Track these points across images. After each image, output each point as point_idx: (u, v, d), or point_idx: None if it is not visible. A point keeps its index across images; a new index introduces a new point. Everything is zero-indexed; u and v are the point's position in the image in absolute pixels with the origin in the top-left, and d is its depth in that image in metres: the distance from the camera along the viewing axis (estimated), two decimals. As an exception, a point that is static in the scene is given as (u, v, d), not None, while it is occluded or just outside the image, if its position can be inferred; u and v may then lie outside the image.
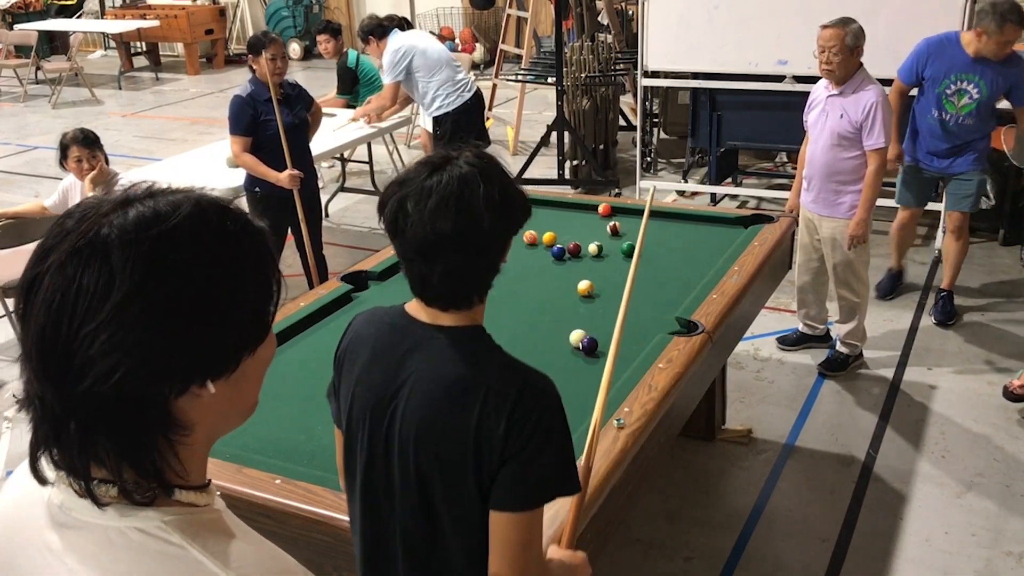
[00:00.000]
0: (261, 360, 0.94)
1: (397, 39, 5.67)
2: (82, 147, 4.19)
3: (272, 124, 4.49)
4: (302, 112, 4.74)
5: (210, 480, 0.96)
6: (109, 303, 0.80)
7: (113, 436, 0.85)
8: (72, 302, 0.81)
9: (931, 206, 5.35)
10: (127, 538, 0.86)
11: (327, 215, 6.54)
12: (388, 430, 1.55)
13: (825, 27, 3.93)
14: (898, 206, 4.98)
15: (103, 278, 0.81)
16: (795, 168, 7.12)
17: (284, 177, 4.51)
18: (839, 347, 4.34)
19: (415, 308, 1.58)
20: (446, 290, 1.52)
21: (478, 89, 5.94)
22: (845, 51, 3.88)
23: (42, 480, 0.90)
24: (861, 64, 3.96)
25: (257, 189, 4.64)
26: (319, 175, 7.26)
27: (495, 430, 1.45)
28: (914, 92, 4.70)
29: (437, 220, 1.44)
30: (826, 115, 4.03)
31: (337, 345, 1.72)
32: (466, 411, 1.47)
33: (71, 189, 4.38)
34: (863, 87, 3.94)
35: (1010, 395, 3.94)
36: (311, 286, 4.59)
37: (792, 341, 4.53)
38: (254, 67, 4.54)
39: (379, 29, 5.72)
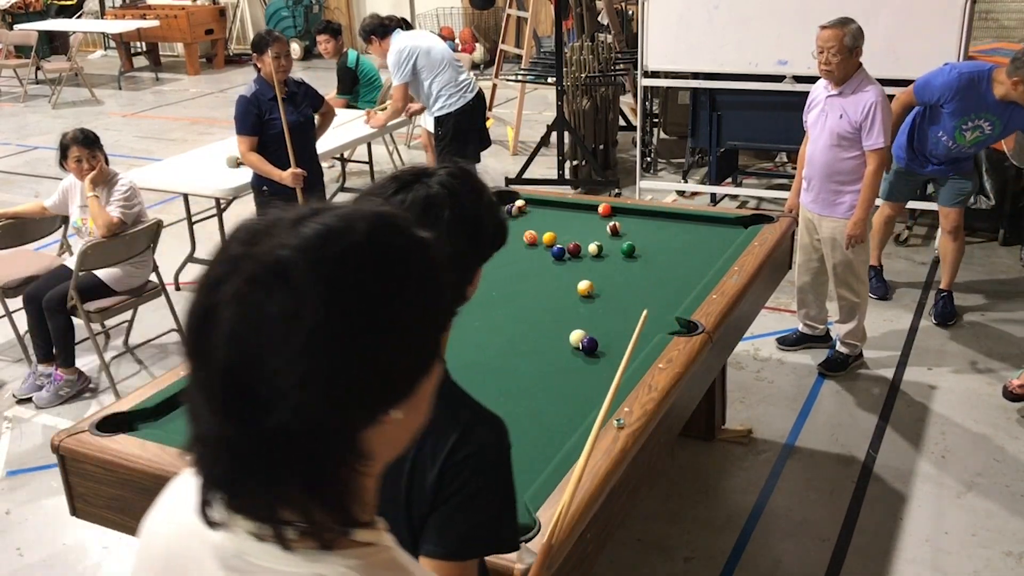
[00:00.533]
0: (434, 380, 0.88)
1: (400, 39, 5.66)
2: (82, 147, 4.19)
3: (276, 123, 4.52)
4: (307, 110, 4.77)
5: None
6: (299, 331, 0.75)
7: (302, 473, 0.78)
8: (257, 334, 0.75)
9: (930, 206, 5.35)
10: None
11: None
12: None
13: (824, 27, 3.93)
14: (883, 202, 4.94)
15: (289, 304, 0.75)
16: (795, 168, 7.14)
17: (287, 175, 4.54)
18: (839, 347, 4.33)
19: None
20: None
21: (480, 90, 5.94)
22: (844, 51, 3.85)
23: (211, 523, 0.83)
24: (860, 64, 3.95)
25: (265, 188, 4.68)
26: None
27: (427, 473, 1.33)
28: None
29: None
30: (825, 115, 4.02)
31: None
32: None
33: (71, 189, 4.39)
34: (863, 87, 3.93)
35: (1009, 395, 3.94)
36: None
37: (792, 341, 4.53)
38: (259, 66, 4.57)
39: (381, 28, 5.71)
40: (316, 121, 4.93)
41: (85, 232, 4.29)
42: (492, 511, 1.37)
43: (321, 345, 0.75)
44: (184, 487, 0.92)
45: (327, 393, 0.76)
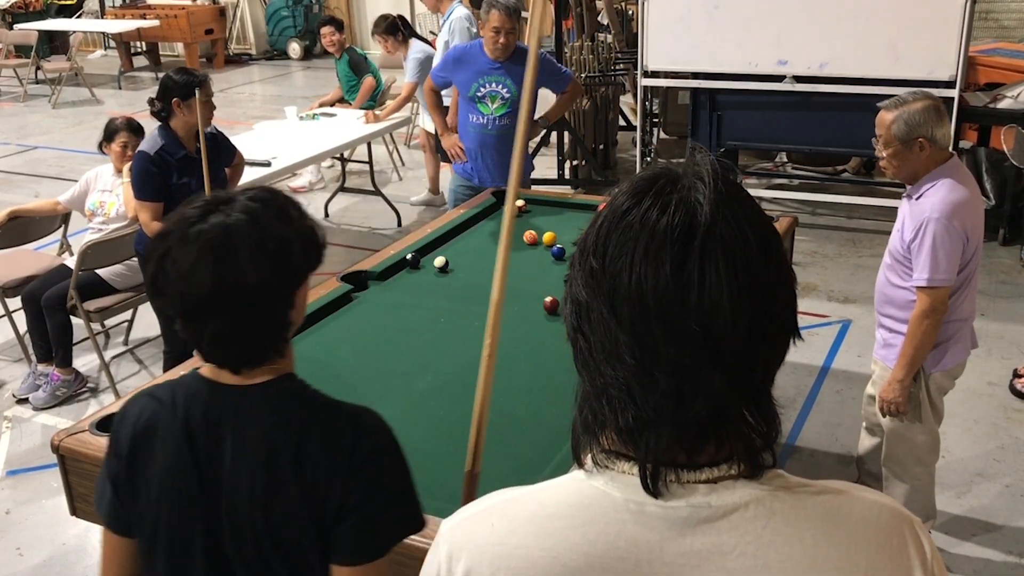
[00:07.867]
0: None
1: (420, 45, 6.15)
2: (130, 134, 4.28)
3: (187, 188, 3.69)
4: (221, 172, 3.98)
5: None
6: None
7: (760, 406, 0.84)
8: None
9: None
10: (796, 497, 0.84)
11: (327, 215, 6.53)
12: (213, 522, 1.36)
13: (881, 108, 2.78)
14: None
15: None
16: (795, 168, 7.14)
17: None
18: None
19: (212, 371, 1.38)
20: (224, 354, 1.35)
21: None
22: (894, 143, 2.68)
23: (658, 493, 0.83)
24: (951, 156, 2.73)
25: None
26: (319, 175, 7.28)
27: (332, 484, 1.32)
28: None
29: (193, 277, 1.28)
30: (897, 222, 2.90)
31: (114, 432, 1.45)
32: (297, 472, 1.32)
33: (97, 177, 4.45)
34: (928, 193, 2.70)
35: (1017, 391, 3.97)
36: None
37: None
38: (175, 112, 3.69)
39: (402, 33, 6.23)
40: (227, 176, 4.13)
41: (100, 214, 4.35)
42: (401, 496, 1.38)
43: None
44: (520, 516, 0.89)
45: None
